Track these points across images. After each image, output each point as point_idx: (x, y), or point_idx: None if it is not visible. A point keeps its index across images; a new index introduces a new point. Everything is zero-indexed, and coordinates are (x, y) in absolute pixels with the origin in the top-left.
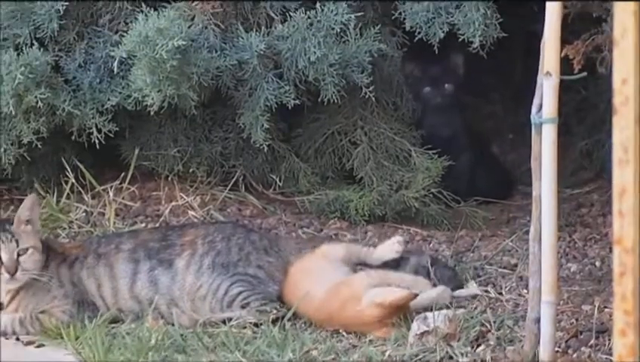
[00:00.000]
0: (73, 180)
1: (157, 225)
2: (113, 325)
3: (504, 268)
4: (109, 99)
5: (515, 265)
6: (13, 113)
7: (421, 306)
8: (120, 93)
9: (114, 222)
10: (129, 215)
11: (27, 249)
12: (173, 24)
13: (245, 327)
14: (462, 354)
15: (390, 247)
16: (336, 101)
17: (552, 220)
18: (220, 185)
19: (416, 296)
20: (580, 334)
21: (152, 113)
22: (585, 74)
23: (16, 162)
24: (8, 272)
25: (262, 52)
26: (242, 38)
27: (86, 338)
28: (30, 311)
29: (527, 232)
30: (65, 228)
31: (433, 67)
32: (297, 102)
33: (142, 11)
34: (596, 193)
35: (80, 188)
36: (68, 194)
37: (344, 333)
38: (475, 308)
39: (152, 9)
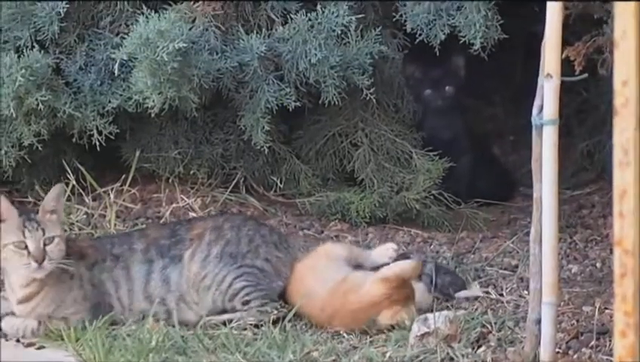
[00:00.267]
0: (74, 182)
1: None
2: (114, 327)
3: (505, 269)
4: (109, 102)
5: (516, 267)
6: (14, 115)
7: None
8: (121, 95)
9: (115, 224)
10: (130, 217)
11: (53, 238)
12: (174, 26)
13: (246, 329)
14: (462, 356)
15: (384, 252)
16: (337, 103)
17: (552, 221)
18: (221, 186)
19: (421, 264)
20: (581, 335)
21: (152, 115)
22: (586, 75)
23: (17, 164)
24: (36, 261)
25: (263, 54)
26: (243, 40)
27: (86, 340)
28: (51, 311)
29: (528, 233)
30: (66, 231)
31: (434, 69)
32: (298, 104)
33: (142, 13)
34: (597, 194)
35: (81, 190)
36: (69, 196)
37: (345, 334)
38: (476, 309)
39: (153, 11)
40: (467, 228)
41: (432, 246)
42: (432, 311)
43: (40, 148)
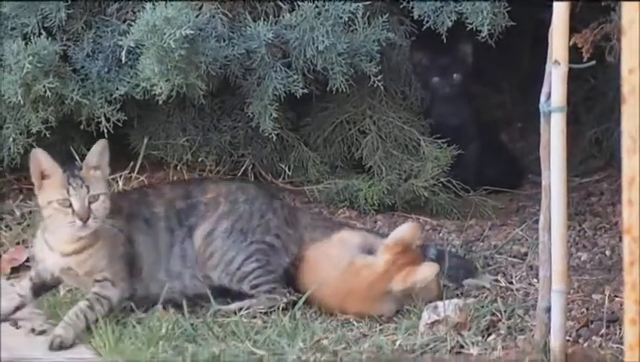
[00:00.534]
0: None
1: None
2: (123, 314)
3: (514, 257)
4: (117, 89)
5: (525, 254)
6: (22, 102)
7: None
8: (128, 82)
9: None
10: None
11: (98, 195)
12: (181, 13)
13: (255, 317)
14: (472, 344)
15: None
16: (344, 90)
17: (561, 209)
18: (229, 174)
19: (419, 226)
20: (591, 323)
21: (160, 102)
22: (593, 62)
23: (25, 151)
24: (81, 219)
25: (270, 41)
26: (250, 27)
27: (97, 328)
28: (103, 267)
29: (537, 221)
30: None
31: (441, 56)
32: (306, 91)
33: (150, 0)
34: (606, 181)
35: None
36: None
37: (355, 322)
38: (486, 297)
39: None
40: (476, 215)
41: (440, 234)
42: (442, 299)
43: (48, 135)
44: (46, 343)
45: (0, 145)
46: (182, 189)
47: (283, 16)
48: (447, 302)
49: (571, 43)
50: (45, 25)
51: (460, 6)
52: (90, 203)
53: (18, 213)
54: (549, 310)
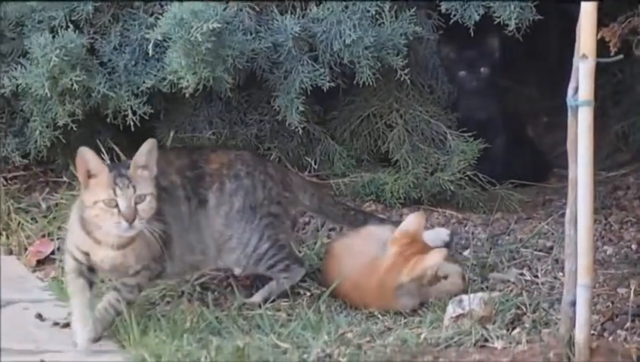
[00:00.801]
0: (108, 162)
1: None
2: (147, 306)
3: (540, 250)
4: (144, 82)
5: (551, 248)
6: (49, 95)
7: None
8: (155, 75)
9: None
10: None
11: (145, 196)
12: (208, 6)
13: (280, 310)
14: (497, 337)
15: (436, 236)
16: (371, 84)
17: (587, 203)
18: None
19: (424, 215)
20: (616, 317)
21: (187, 95)
22: (621, 56)
23: (52, 144)
24: (127, 220)
25: (297, 34)
26: (277, 21)
27: (121, 321)
28: (145, 254)
29: (563, 215)
30: None
31: (469, 50)
32: (332, 84)
33: None
34: (632, 176)
35: None
36: None
37: (379, 316)
38: (511, 290)
39: None
40: (502, 209)
41: (466, 228)
42: (467, 292)
43: (74, 128)
44: (70, 335)
45: (27, 137)
46: (187, 158)
47: (310, 10)
48: (472, 295)
49: (599, 37)
50: (72, 18)
51: (488, 0)
52: (136, 203)
53: (44, 206)
54: (574, 304)
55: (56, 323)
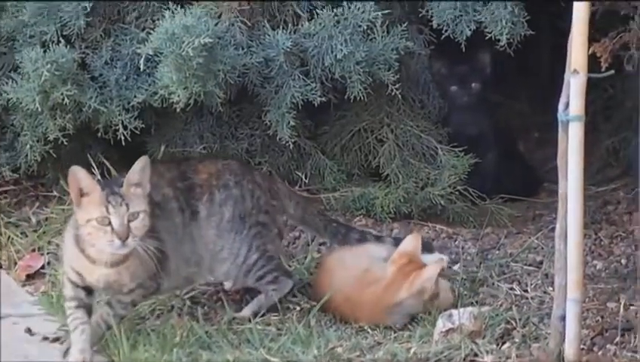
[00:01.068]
0: (99, 177)
1: None
2: (137, 321)
3: (530, 265)
4: (135, 96)
5: (541, 263)
6: (40, 110)
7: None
8: (146, 90)
9: None
10: None
11: (138, 213)
12: (200, 21)
13: (270, 324)
14: (487, 352)
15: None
16: (362, 98)
17: (578, 218)
18: None
19: (419, 236)
20: (606, 332)
21: (178, 110)
22: (612, 72)
23: (42, 159)
24: (120, 238)
25: (288, 49)
26: (269, 36)
27: (111, 335)
28: (140, 272)
29: (553, 230)
30: None
31: (460, 65)
32: (324, 99)
33: (168, 8)
34: (622, 190)
35: None
36: None
37: (369, 330)
38: (501, 305)
39: (179, 6)
40: (492, 223)
41: (456, 242)
42: (456, 307)
43: (65, 143)
44: (60, 350)
45: (17, 152)
46: (176, 170)
47: (302, 25)
48: (461, 310)
49: (590, 52)
50: (64, 33)
51: (479, 15)
52: (129, 221)
53: (34, 220)
54: (563, 318)
55: (45, 338)
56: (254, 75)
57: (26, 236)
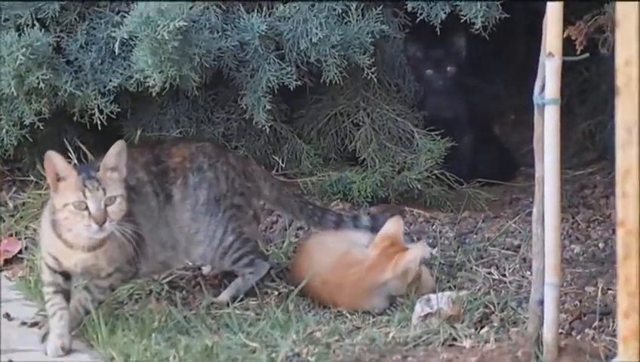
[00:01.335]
0: (75, 161)
1: None
2: (115, 306)
3: (507, 249)
4: (110, 80)
5: (519, 247)
6: (15, 94)
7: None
8: (122, 74)
9: None
10: None
11: (115, 198)
12: (174, 5)
13: (248, 309)
14: (465, 336)
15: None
16: (338, 82)
17: (554, 201)
18: None
19: (400, 220)
20: (584, 316)
21: (153, 94)
22: (587, 55)
23: (18, 143)
24: (97, 223)
25: (263, 33)
26: (244, 19)
27: (89, 320)
28: (117, 256)
29: (530, 214)
30: None
31: (435, 49)
32: (299, 83)
33: None
34: (599, 174)
35: None
36: None
37: (348, 315)
38: (479, 289)
39: None
40: (469, 208)
41: (434, 226)
42: (434, 291)
43: (41, 127)
44: (38, 334)
45: None
46: (150, 153)
47: (276, 8)
48: (439, 294)
49: (565, 35)
50: (39, 16)
51: None
52: (106, 205)
53: (11, 205)
54: (541, 302)
55: (24, 323)
56: (229, 58)
57: (3, 221)
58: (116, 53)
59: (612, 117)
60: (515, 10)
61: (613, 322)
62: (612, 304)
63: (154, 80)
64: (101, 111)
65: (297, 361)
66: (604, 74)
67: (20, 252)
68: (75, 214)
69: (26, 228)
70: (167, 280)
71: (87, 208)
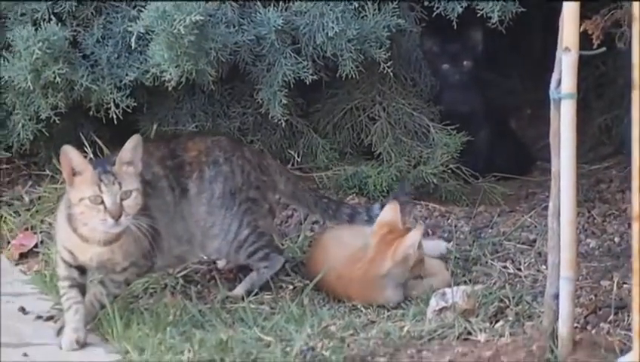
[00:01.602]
0: (91, 155)
1: None
2: (131, 300)
3: (523, 243)
4: (127, 75)
5: (534, 241)
6: (32, 88)
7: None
8: (138, 68)
9: None
10: None
11: (131, 192)
12: None
13: (263, 303)
14: (480, 330)
15: (435, 247)
16: (354, 76)
17: (570, 196)
18: None
19: (397, 204)
20: (599, 310)
21: (170, 88)
22: (604, 49)
23: (35, 137)
24: (113, 217)
25: (280, 27)
26: (260, 14)
27: (104, 314)
28: (133, 250)
29: (546, 208)
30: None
31: (452, 43)
32: (315, 77)
33: None
34: (615, 169)
35: None
36: None
37: (362, 309)
38: (494, 283)
39: None
40: (485, 202)
41: (449, 221)
42: (450, 285)
43: (57, 121)
44: (54, 328)
45: (9, 130)
46: (165, 148)
47: (293, 2)
48: (454, 288)
49: (582, 29)
50: (55, 11)
51: None
52: (122, 199)
53: (27, 199)
54: (557, 297)
55: (39, 317)
56: (246, 53)
57: (19, 215)
58: (132, 48)
59: (628, 111)
60: (532, 4)
61: (629, 316)
62: (627, 298)
63: (170, 74)
64: (117, 106)
65: (312, 355)
66: (620, 68)
67: (36, 246)
68: (90, 208)
69: (42, 222)
70: (182, 274)
71: (102, 202)
